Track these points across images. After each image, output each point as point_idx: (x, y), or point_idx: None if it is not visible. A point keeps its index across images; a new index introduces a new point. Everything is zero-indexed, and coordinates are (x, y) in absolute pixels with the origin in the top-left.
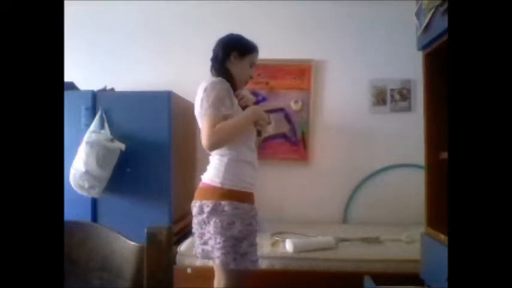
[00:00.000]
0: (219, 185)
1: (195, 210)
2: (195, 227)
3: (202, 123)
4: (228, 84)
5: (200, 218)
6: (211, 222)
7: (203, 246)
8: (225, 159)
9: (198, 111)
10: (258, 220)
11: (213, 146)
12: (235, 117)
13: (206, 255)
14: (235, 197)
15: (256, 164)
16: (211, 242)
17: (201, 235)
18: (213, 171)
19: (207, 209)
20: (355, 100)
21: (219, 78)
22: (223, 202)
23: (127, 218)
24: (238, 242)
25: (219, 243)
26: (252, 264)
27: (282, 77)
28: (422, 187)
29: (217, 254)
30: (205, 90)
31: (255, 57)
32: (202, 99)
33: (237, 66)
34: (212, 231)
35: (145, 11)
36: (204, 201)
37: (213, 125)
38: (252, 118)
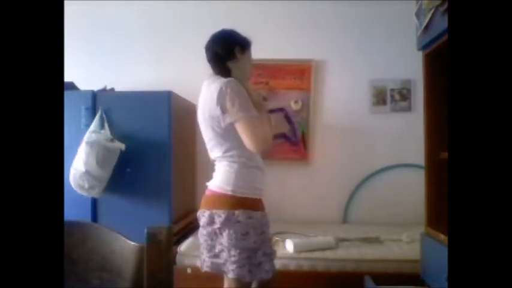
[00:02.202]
0: (230, 193)
1: (203, 220)
2: (203, 238)
3: (243, 127)
4: (239, 85)
5: (210, 229)
6: (224, 234)
7: (213, 259)
8: (236, 165)
9: (214, 112)
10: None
11: (266, 149)
12: (264, 119)
13: (217, 268)
14: (248, 206)
15: (264, 168)
16: (224, 255)
17: (211, 247)
18: (222, 178)
19: (219, 220)
20: (355, 100)
21: (233, 78)
22: (236, 212)
23: (127, 218)
24: (253, 253)
25: (234, 255)
26: (266, 274)
27: (282, 77)
28: (422, 187)
29: (231, 267)
30: (222, 91)
31: (250, 50)
32: (225, 101)
33: (241, 63)
34: (226, 244)
35: (145, 11)
36: (214, 211)
37: (256, 127)
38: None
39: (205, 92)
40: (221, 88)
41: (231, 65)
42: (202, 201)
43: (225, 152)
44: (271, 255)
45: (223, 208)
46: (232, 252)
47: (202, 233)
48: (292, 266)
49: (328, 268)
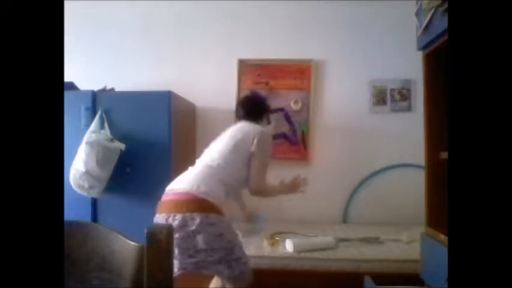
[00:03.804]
0: (202, 196)
1: (175, 224)
2: (175, 242)
3: (257, 164)
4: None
5: (183, 232)
6: (200, 236)
7: (189, 259)
8: (230, 182)
9: (249, 141)
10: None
11: (258, 195)
12: (278, 187)
13: (193, 268)
14: (219, 211)
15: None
16: (201, 256)
17: (184, 250)
18: (198, 183)
19: (193, 222)
20: (355, 100)
21: (269, 131)
22: (210, 215)
23: (127, 218)
24: (230, 251)
25: (211, 255)
26: (244, 266)
27: (282, 77)
28: (422, 187)
29: (210, 265)
30: (262, 134)
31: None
32: (260, 140)
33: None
34: (204, 245)
35: (145, 11)
36: (188, 214)
37: (264, 173)
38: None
39: (247, 127)
40: (262, 132)
41: (260, 124)
42: (171, 205)
43: (227, 166)
44: (242, 247)
45: (197, 211)
46: (210, 253)
47: (181, 236)
48: (292, 266)
49: (328, 268)
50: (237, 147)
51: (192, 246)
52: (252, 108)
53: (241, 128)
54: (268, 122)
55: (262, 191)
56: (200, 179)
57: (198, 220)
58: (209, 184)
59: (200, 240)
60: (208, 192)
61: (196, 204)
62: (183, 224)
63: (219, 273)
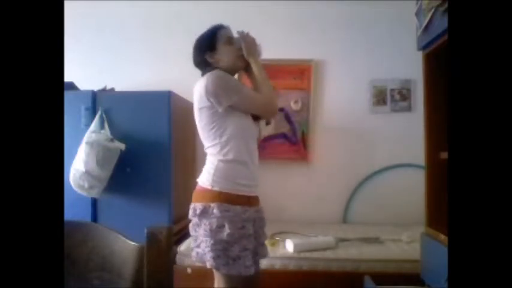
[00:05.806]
0: (209, 187)
1: (190, 212)
2: (190, 230)
3: (244, 107)
4: (223, 72)
5: (194, 220)
6: (202, 225)
7: (197, 249)
8: (215, 160)
9: (204, 104)
10: (260, 223)
11: (274, 113)
12: (257, 77)
13: (200, 259)
14: (225, 199)
15: (255, 163)
16: (202, 245)
17: (195, 238)
18: (204, 173)
19: (198, 212)
20: (355, 100)
21: (216, 70)
22: (212, 204)
23: (127, 218)
24: (229, 246)
25: (208, 246)
26: (246, 269)
27: (282, 77)
28: (422, 187)
29: (207, 257)
30: (209, 82)
31: (224, 35)
32: (215, 89)
33: (218, 59)
34: (202, 234)
35: (145, 11)
36: (196, 204)
37: (253, 101)
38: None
39: (196, 91)
40: (207, 80)
41: (213, 65)
42: (192, 195)
43: (209, 145)
44: (254, 252)
45: (202, 201)
46: (208, 243)
47: (190, 225)
48: (292, 266)
49: (328, 268)
50: (208, 126)
51: (198, 234)
52: (194, 58)
53: (195, 96)
54: (216, 62)
55: (272, 105)
56: (206, 169)
57: (200, 209)
58: (212, 171)
59: (202, 229)
60: (214, 182)
61: (201, 193)
62: (193, 213)
63: (217, 269)
